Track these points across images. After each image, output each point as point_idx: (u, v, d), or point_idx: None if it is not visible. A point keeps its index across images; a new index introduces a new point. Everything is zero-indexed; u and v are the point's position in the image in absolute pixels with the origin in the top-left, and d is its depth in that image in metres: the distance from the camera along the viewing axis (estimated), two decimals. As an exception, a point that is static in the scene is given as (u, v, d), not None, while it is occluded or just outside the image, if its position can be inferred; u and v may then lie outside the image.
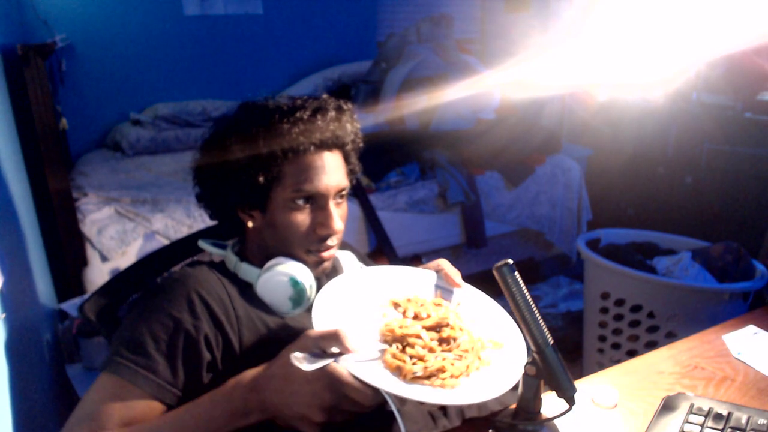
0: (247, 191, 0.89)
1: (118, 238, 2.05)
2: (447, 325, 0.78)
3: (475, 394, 0.70)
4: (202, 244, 0.99)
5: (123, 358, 0.77)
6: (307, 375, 0.67)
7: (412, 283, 0.89)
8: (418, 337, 0.76)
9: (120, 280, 1.10)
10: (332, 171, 0.90)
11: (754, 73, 2.63)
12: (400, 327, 0.78)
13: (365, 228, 2.42)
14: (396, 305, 0.84)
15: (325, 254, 0.92)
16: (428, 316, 0.80)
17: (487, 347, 0.80)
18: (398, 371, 0.72)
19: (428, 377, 0.71)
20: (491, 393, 0.71)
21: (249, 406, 0.71)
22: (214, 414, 0.72)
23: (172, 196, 2.27)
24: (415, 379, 0.71)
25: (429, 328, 0.78)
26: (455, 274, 0.90)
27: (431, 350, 0.75)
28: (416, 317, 0.81)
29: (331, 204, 0.90)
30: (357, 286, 0.86)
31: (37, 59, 1.73)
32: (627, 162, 3.18)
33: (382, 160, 2.59)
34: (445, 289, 0.89)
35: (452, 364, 0.73)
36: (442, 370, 0.72)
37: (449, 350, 0.75)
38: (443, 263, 0.92)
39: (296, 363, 0.65)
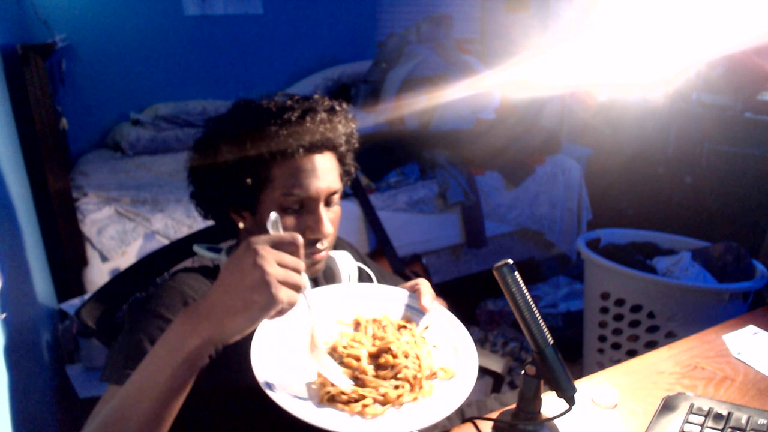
0: (237, 193, 0.89)
1: (118, 238, 2.05)
2: (388, 350, 0.75)
3: (387, 427, 0.67)
4: (196, 248, 0.99)
5: (127, 368, 0.75)
6: (229, 266, 0.62)
7: (384, 302, 0.87)
8: (358, 359, 0.73)
9: (115, 283, 1.10)
10: (323, 174, 0.89)
11: (754, 73, 2.63)
12: (344, 347, 0.76)
13: (365, 228, 2.42)
14: (357, 324, 0.82)
15: (316, 257, 0.91)
16: (382, 339, 0.77)
17: (436, 376, 0.76)
18: (320, 390, 0.70)
19: (347, 402, 0.69)
20: (402, 429, 0.67)
21: (181, 332, 0.63)
22: (157, 361, 0.64)
23: (172, 196, 2.27)
24: (331, 402, 0.69)
25: (373, 354, 0.75)
26: (427, 296, 0.87)
27: (363, 372, 0.72)
28: (374, 338, 0.78)
29: (321, 208, 0.89)
30: (328, 300, 0.84)
31: (37, 59, 1.73)
32: (627, 162, 3.18)
33: (382, 160, 2.58)
34: (416, 310, 0.86)
35: (378, 392, 0.70)
36: (363, 396, 0.69)
37: (384, 378, 0.72)
38: (422, 284, 0.89)
39: (269, 225, 0.69)
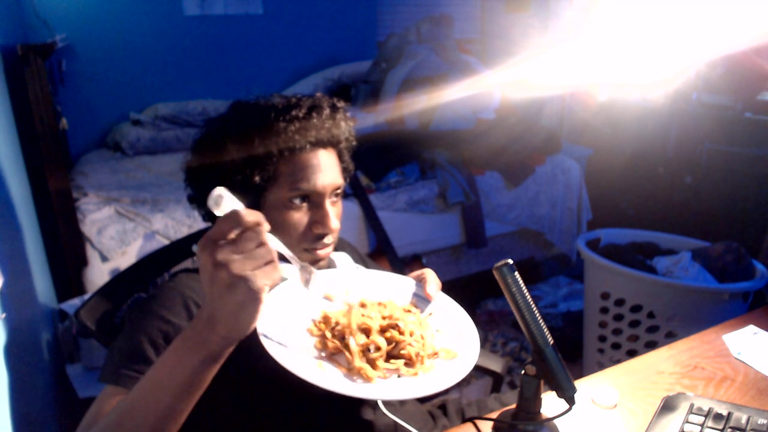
0: (243, 191, 0.89)
1: (118, 238, 2.05)
2: (396, 327, 0.76)
3: (384, 393, 0.69)
4: (195, 249, 0.98)
5: (124, 368, 0.75)
6: (202, 276, 0.59)
7: (391, 290, 0.88)
8: (369, 331, 0.75)
9: (115, 284, 1.10)
10: (328, 169, 0.90)
11: (754, 73, 2.63)
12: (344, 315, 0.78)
13: (365, 228, 2.42)
14: (362, 306, 0.83)
15: (321, 252, 0.91)
16: (390, 317, 0.79)
17: (438, 356, 0.77)
18: (321, 346, 0.73)
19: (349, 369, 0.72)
20: (400, 395, 0.70)
21: (200, 331, 0.62)
22: (176, 358, 0.64)
23: (172, 196, 2.27)
24: (331, 358, 0.72)
25: (381, 328, 0.77)
26: (433, 285, 0.87)
27: (377, 348, 0.74)
28: (382, 317, 0.80)
29: (327, 203, 0.90)
30: (335, 283, 0.85)
31: (37, 59, 1.73)
32: (627, 162, 3.18)
33: (382, 160, 2.58)
34: (421, 298, 0.88)
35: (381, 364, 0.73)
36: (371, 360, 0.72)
37: (389, 353, 0.74)
38: (428, 273, 0.90)
39: (210, 203, 0.60)
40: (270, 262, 0.59)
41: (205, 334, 0.62)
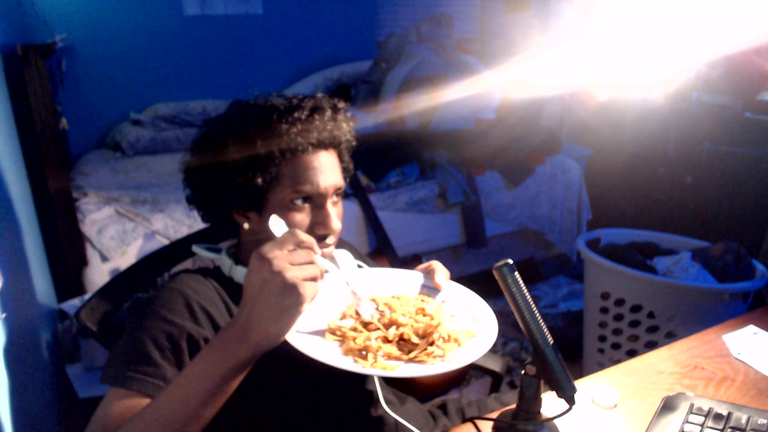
0: (244, 193, 0.88)
1: (118, 238, 2.05)
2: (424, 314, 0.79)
3: (412, 371, 0.71)
4: (195, 249, 0.98)
5: (130, 371, 0.75)
6: (251, 279, 0.66)
7: (401, 284, 0.89)
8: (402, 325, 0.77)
9: (115, 284, 1.10)
10: (329, 171, 0.90)
11: (754, 73, 2.63)
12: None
13: (365, 228, 2.42)
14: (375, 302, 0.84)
15: (323, 252, 0.91)
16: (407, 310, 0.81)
17: (459, 337, 0.79)
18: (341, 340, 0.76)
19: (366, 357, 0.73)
20: (427, 372, 0.71)
21: (232, 339, 0.66)
22: (206, 367, 0.67)
23: (172, 196, 2.27)
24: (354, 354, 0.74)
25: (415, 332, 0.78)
26: (441, 275, 0.88)
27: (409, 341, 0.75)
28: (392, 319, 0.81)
29: (329, 204, 0.90)
30: (344, 284, 0.85)
31: (37, 59, 1.73)
32: (627, 162, 3.18)
33: (382, 160, 2.59)
34: (431, 288, 0.89)
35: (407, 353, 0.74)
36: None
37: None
38: (435, 264, 0.91)
39: (271, 227, 0.74)
40: (316, 278, 0.67)
41: (237, 342, 0.66)
